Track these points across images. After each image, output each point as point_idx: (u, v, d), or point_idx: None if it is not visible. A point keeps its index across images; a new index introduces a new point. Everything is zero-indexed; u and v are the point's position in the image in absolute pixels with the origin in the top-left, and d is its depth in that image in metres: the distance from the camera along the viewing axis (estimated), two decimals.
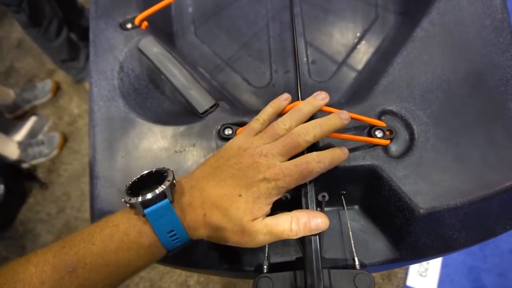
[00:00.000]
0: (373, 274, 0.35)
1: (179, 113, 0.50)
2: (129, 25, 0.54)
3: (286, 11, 0.65)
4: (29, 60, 1.74)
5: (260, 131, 0.37)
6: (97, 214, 0.43)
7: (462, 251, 0.41)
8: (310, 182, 0.36)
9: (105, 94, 0.49)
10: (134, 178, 0.34)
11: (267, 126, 0.37)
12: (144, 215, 0.31)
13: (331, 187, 0.42)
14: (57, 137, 1.50)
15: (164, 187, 0.31)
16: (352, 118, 0.41)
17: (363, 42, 0.61)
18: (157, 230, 0.31)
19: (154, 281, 1.28)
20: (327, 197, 0.43)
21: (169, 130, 0.45)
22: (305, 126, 0.36)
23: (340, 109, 0.43)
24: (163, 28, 0.64)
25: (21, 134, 1.57)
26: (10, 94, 1.54)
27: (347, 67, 0.60)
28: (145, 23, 0.55)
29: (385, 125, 0.42)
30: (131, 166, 0.43)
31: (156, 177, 0.33)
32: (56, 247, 0.30)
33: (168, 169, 0.33)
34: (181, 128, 0.45)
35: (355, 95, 0.54)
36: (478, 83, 0.43)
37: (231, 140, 0.36)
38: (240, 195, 0.32)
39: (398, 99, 0.43)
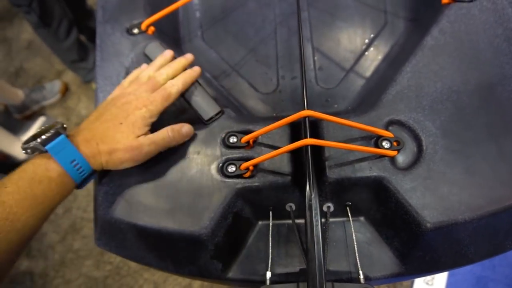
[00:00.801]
0: (389, 283, 0.35)
1: (184, 120, 0.50)
2: (135, 30, 0.54)
3: (294, 16, 0.65)
4: (38, 61, 1.75)
5: (128, 86, 0.45)
6: (100, 221, 0.43)
7: None
8: (314, 193, 0.36)
9: None
10: (31, 135, 0.39)
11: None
12: (46, 151, 0.36)
13: (337, 198, 0.42)
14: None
15: (57, 126, 0.38)
16: (359, 128, 0.41)
17: (372, 48, 0.61)
18: (60, 161, 0.37)
19: (158, 284, 1.27)
20: (332, 208, 0.42)
21: None
22: (159, 71, 0.45)
23: (347, 118, 0.43)
24: (170, 32, 0.64)
25: (29, 134, 1.59)
26: (19, 95, 1.56)
27: (355, 74, 0.59)
28: (152, 28, 0.55)
29: (392, 135, 0.41)
30: (135, 173, 0.43)
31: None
32: None
33: (57, 121, 0.40)
34: None
35: (362, 103, 0.53)
36: (489, 94, 0.42)
37: (109, 96, 0.45)
38: (121, 123, 0.40)
39: (406, 109, 0.43)
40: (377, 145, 0.41)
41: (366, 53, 0.60)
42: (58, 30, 1.34)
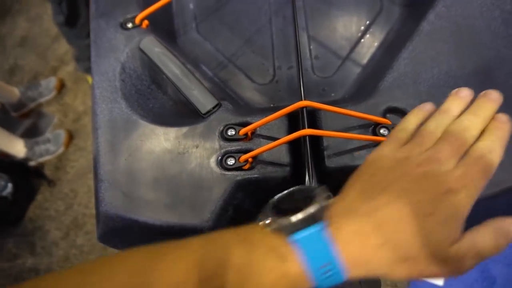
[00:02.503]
0: None
1: (182, 114, 0.50)
2: (129, 25, 0.53)
3: (289, 5, 0.64)
4: (33, 58, 1.74)
5: (406, 141, 0.30)
6: (102, 217, 0.43)
7: None
8: (314, 183, 0.36)
9: (107, 96, 0.48)
10: (277, 196, 0.28)
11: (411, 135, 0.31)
12: (291, 241, 0.24)
13: (334, 189, 0.42)
14: (63, 135, 1.51)
15: (320, 205, 0.25)
16: (356, 117, 0.41)
17: (368, 35, 0.60)
18: (309, 262, 0.24)
19: None
20: (332, 197, 0.42)
21: (172, 131, 0.45)
22: (459, 122, 0.29)
23: (345, 106, 0.43)
24: (164, 25, 0.63)
25: (28, 132, 1.58)
26: (15, 93, 1.55)
27: (351, 62, 0.59)
28: (146, 22, 0.54)
29: (390, 123, 0.41)
30: (134, 169, 0.43)
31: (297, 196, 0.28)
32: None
33: (318, 185, 0.28)
34: (184, 129, 0.44)
35: (360, 90, 0.53)
36: (486, 78, 0.42)
37: (376, 152, 0.30)
38: (430, 215, 0.24)
39: (404, 96, 0.43)
40: (375, 132, 0.41)
41: (362, 40, 0.60)
42: (81, 30, 1.34)
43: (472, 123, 0.29)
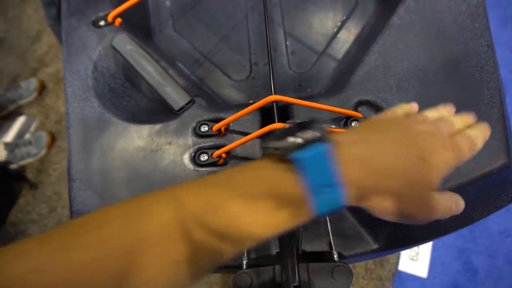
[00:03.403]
0: (365, 261, 0.36)
1: (157, 111, 0.50)
2: (102, 23, 0.53)
3: (264, 1, 0.64)
4: (12, 59, 1.70)
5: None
6: (75, 217, 0.43)
7: (452, 234, 0.41)
8: None
9: (80, 94, 0.48)
10: (284, 128, 0.27)
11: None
12: (293, 161, 0.25)
13: None
14: (44, 137, 1.48)
15: (324, 127, 0.26)
16: (328, 110, 0.41)
17: (343, 30, 0.61)
18: (311, 182, 0.24)
19: None
20: None
21: (145, 129, 0.44)
22: (447, 118, 0.32)
23: (317, 100, 0.43)
24: (140, 23, 0.62)
25: (9, 135, 1.55)
26: None
27: (327, 56, 0.59)
28: (119, 20, 0.54)
29: (361, 115, 0.42)
30: (107, 167, 0.43)
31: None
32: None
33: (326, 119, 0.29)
34: (157, 127, 0.44)
35: (335, 85, 0.53)
36: (454, 70, 0.43)
37: (379, 114, 0.33)
38: (421, 158, 0.26)
39: (375, 89, 0.43)
40: (347, 125, 0.41)
41: (338, 35, 0.60)
42: None
43: (457, 121, 0.32)
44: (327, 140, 0.25)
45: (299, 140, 0.25)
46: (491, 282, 1.19)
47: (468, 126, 0.32)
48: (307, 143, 0.25)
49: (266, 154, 0.27)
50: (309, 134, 0.25)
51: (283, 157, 0.25)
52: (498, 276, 1.19)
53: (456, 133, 0.31)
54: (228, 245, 0.25)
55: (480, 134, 0.31)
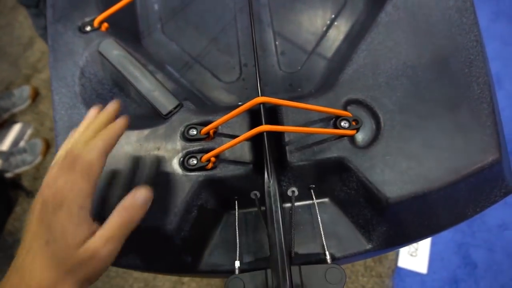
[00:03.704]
0: (359, 261, 0.35)
1: (146, 116, 0.49)
2: (88, 28, 0.52)
3: (253, 2, 0.64)
4: (5, 67, 1.69)
5: None
6: None
7: (451, 229, 0.41)
8: (272, 179, 0.36)
9: (67, 101, 0.47)
10: None
11: None
12: None
13: (300, 182, 0.42)
14: (39, 144, 1.47)
15: None
16: (316, 110, 0.40)
17: (333, 29, 0.60)
18: None
19: (148, 281, 1.27)
20: (296, 192, 0.42)
21: (133, 134, 0.44)
22: (74, 139, 0.35)
23: (307, 100, 0.42)
24: (128, 27, 0.62)
25: (5, 143, 1.54)
26: None
27: (317, 56, 0.59)
28: (105, 25, 0.53)
29: (350, 115, 0.41)
30: None
31: None
32: None
33: None
34: (146, 132, 0.44)
35: (325, 84, 0.53)
36: (443, 66, 0.42)
37: None
38: (47, 242, 0.30)
39: (364, 88, 0.43)
40: (336, 125, 0.41)
41: (328, 33, 0.60)
42: None
43: (82, 136, 0.34)
44: None
45: None
46: (491, 276, 1.19)
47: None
48: None
49: None
50: None
51: None
52: (497, 270, 1.19)
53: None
54: None
55: (95, 141, 0.33)
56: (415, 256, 1.22)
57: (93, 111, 0.38)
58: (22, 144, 1.52)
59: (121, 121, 0.36)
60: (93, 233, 0.30)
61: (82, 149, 0.32)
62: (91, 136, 0.34)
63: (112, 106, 0.38)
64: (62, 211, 0.29)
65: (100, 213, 0.40)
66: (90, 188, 0.31)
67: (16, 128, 1.58)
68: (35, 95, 1.61)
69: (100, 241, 0.30)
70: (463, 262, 1.21)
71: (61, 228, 0.29)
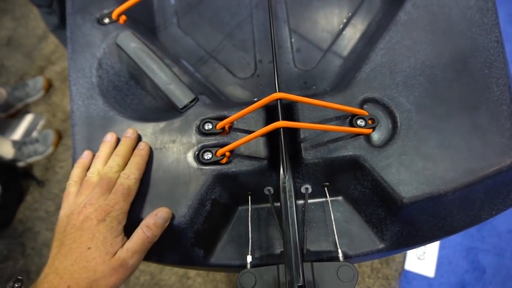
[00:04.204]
0: (370, 260, 0.35)
1: (161, 109, 0.49)
2: (106, 20, 0.53)
3: None
4: (19, 58, 1.72)
5: (77, 191, 0.40)
6: None
7: (460, 233, 0.41)
8: (288, 175, 0.36)
9: (84, 92, 0.48)
10: None
11: (81, 183, 0.41)
12: None
13: (314, 179, 0.42)
14: (51, 135, 1.49)
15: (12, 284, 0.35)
16: (333, 108, 0.40)
17: (349, 27, 0.60)
18: None
19: (155, 274, 1.28)
20: (310, 189, 0.42)
21: (149, 127, 0.44)
22: (108, 164, 0.41)
23: (321, 98, 0.42)
24: (144, 21, 0.62)
25: (17, 133, 1.57)
26: (2, 93, 1.53)
27: (333, 54, 0.59)
28: (123, 17, 0.54)
29: (367, 113, 0.41)
30: None
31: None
32: None
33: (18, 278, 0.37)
34: (161, 125, 0.44)
35: (340, 83, 0.53)
36: (462, 66, 0.42)
37: (60, 215, 0.39)
38: (89, 248, 0.34)
39: (381, 87, 0.42)
40: (352, 124, 0.41)
41: (344, 32, 0.60)
42: None
43: (115, 162, 0.40)
44: None
45: None
46: (499, 281, 1.17)
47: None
48: None
49: None
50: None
51: None
52: (506, 275, 1.18)
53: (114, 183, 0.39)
54: None
55: (131, 168, 0.40)
56: (422, 259, 1.21)
57: (110, 136, 0.43)
58: (34, 134, 1.54)
59: (146, 147, 0.42)
60: (122, 245, 0.36)
61: (117, 175, 0.39)
62: (122, 163, 0.41)
63: (131, 131, 0.43)
64: (104, 224, 0.35)
65: None
66: (127, 207, 0.38)
67: (28, 118, 1.60)
68: (49, 87, 1.63)
69: (128, 253, 0.35)
70: (471, 267, 1.19)
71: (103, 239, 0.34)
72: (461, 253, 1.22)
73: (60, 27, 1.24)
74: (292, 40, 0.60)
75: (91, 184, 0.39)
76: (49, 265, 0.35)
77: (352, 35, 0.59)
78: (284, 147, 0.36)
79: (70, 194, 0.40)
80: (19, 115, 1.60)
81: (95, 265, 0.33)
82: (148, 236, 0.37)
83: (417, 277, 1.20)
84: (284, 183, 0.35)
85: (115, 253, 0.35)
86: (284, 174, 0.35)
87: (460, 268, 1.20)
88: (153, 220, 0.37)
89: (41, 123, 1.58)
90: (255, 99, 0.56)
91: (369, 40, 0.56)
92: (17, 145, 1.46)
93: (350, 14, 0.61)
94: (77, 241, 0.35)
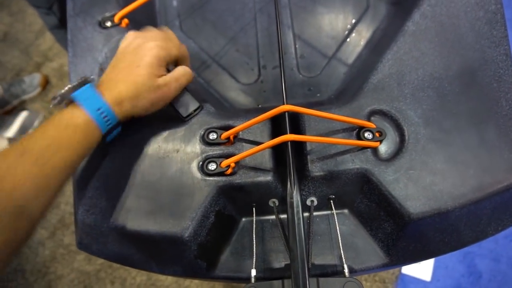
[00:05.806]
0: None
1: (165, 117, 0.48)
2: (108, 23, 0.52)
3: (273, 2, 0.63)
4: (16, 54, 1.69)
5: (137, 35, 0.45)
6: (80, 225, 0.42)
7: None
8: (296, 190, 0.35)
9: None
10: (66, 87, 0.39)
11: None
12: (73, 100, 0.37)
13: (320, 192, 0.41)
14: None
15: (81, 78, 0.38)
16: (340, 121, 0.40)
17: (354, 34, 0.59)
18: (87, 108, 0.37)
19: (151, 275, 1.28)
20: (315, 202, 0.41)
21: (152, 135, 0.43)
22: None
23: (329, 109, 0.42)
24: (146, 24, 0.61)
25: (12, 130, 1.55)
26: None
27: (337, 61, 0.58)
28: (126, 21, 0.53)
29: (374, 126, 0.40)
30: (112, 173, 0.42)
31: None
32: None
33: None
34: (164, 133, 0.43)
35: (345, 91, 0.52)
36: (471, 79, 0.42)
37: (119, 46, 0.44)
38: (138, 66, 0.40)
39: (388, 99, 0.42)
40: (359, 136, 0.40)
41: (348, 39, 0.59)
42: None
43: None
44: (91, 80, 0.39)
45: (74, 84, 0.37)
46: (495, 286, 1.18)
47: None
48: (79, 86, 0.38)
49: (56, 103, 0.37)
50: (79, 79, 0.38)
51: (68, 100, 0.37)
52: (502, 280, 1.18)
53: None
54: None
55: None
56: (419, 263, 1.21)
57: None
58: (30, 132, 1.52)
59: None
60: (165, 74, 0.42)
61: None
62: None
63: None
64: (154, 51, 0.41)
65: (115, 205, 0.40)
66: (177, 53, 0.44)
67: (24, 115, 1.58)
68: (45, 83, 1.61)
69: (171, 78, 0.42)
70: (467, 271, 1.20)
71: (150, 62, 0.40)
72: (458, 258, 1.22)
73: (58, 26, 1.22)
74: (296, 45, 0.59)
75: (149, 30, 0.45)
76: (105, 76, 0.41)
77: (357, 42, 0.59)
78: (292, 161, 0.36)
79: (130, 34, 0.44)
80: (14, 112, 1.58)
81: (141, 80, 0.39)
82: (185, 70, 0.43)
83: (413, 281, 1.20)
84: (291, 198, 0.35)
85: (159, 77, 0.41)
86: (291, 189, 0.35)
87: (457, 272, 1.20)
88: (185, 67, 0.44)
89: (38, 120, 1.57)
90: (259, 105, 0.55)
91: (374, 49, 0.55)
92: (12, 142, 1.44)
93: (354, 20, 0.60)
94: (130, 61, 0.40)
